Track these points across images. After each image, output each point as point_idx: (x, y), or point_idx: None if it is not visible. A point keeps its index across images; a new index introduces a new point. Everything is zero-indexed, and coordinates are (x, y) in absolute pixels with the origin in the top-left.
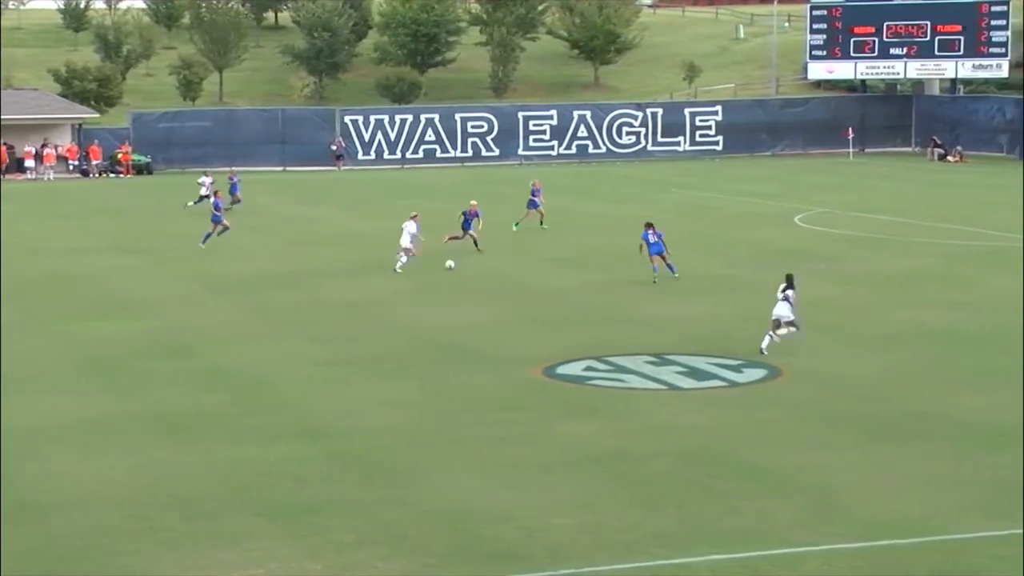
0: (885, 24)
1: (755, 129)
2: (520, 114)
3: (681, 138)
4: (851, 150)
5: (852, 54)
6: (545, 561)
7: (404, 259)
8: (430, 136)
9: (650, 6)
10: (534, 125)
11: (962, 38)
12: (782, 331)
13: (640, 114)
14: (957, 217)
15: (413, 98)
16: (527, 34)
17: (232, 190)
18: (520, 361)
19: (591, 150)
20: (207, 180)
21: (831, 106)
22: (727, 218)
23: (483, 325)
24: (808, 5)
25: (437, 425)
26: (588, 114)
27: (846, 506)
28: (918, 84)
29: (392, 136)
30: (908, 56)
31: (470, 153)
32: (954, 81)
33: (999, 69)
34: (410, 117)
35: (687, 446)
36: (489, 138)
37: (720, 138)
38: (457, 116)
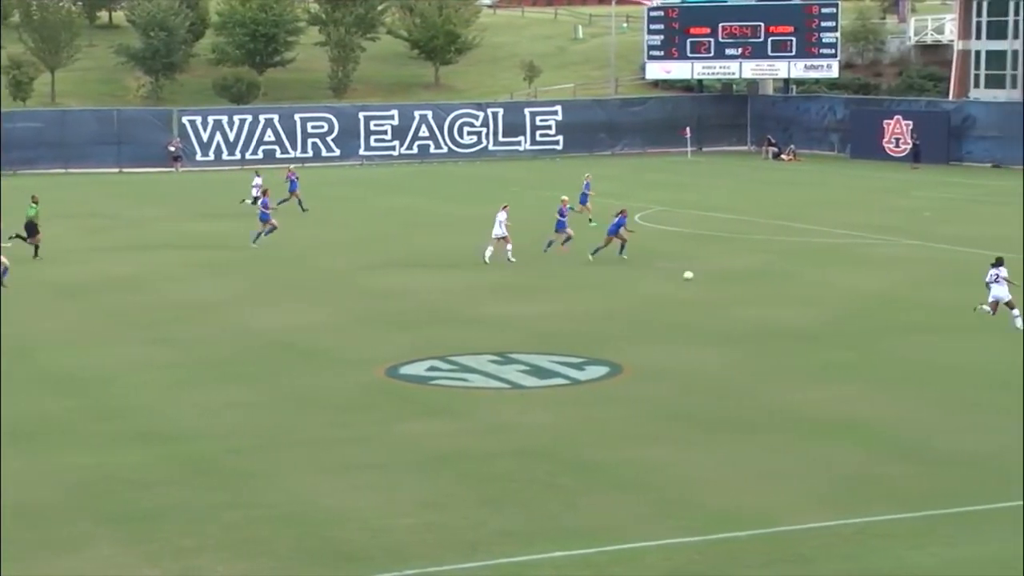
0: (720, 25)
1: (595, 129)
2: (361, 114)
3: (522, 138)
4: (689, 149)
5: (689, 54)
6: (390, 561)
7: (491, 249)
8: (270, 137)
9: (490, 6)
10: (375, 125)
11: (794, 39)
12: (1016, 312)
13: (481, 114)
14: (793, 214)
15: (252, 98)
16: (367, 34)
17: (291, 188)
18: (363, 362)
19: (432, 150)
20: (259, 180)
21: (669, 106)
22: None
23: (326, 326)
24: (646, 7)
25: (281, 427)
26: (429, 114)
27: (686, 500)
28: (753, 84)
29: (231, 137)
30: (743, 57)
31: (310, 153)
32: (787, 81)
33: (829, 70)
34: (249, 117)
35: (530, 444)
36: (330, 138)
37: (560, 138)
38: (297, 116)
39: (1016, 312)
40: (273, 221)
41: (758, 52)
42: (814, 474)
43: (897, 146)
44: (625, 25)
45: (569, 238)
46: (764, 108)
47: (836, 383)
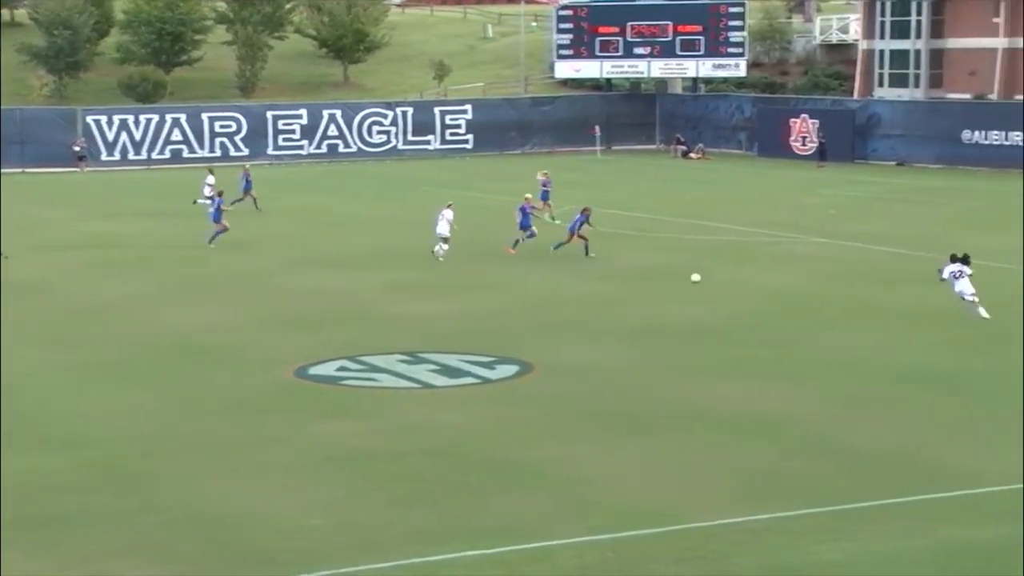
0: (629, 24)
1: (505, 127)
2: (269, 113)
3: (431, 137)
4: (598, 148)
5: (598, 53)
6: (302, 563)
7: (443, 247)
8: (177, 136)
9: (398, 5)
10: (283, 124)
11: (702, 38)
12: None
13: (390, 113)
14: (701, 212)
15: (158, 98)
16: (275, 33)
17: (245, 187)
18: (272, 363)
19: (342, 149)
20: (212, 179)
21: (578, 105)
22: (480, 216)
23: (234, 327)
24: (555, 6)
25: (189, 429)
26: (338, 113)
27: (598, 498)
28: (661, 83)
29: (137, 136)
30: (651, 56)
31: (218, 153)
32: (695, 80)
33: (737, 68)
34: (155, 117)
35: (441, 444)
36: (238, 138)
37: (470, 137)
38: (204, 116)
39: (977, 301)
40: (224, 222)
41: (666, 51)
42: (724, 470)
43: (803, 144)
44: (534, 24)
45: (532, 235)
46: (673, 107)
47: (744, 380)
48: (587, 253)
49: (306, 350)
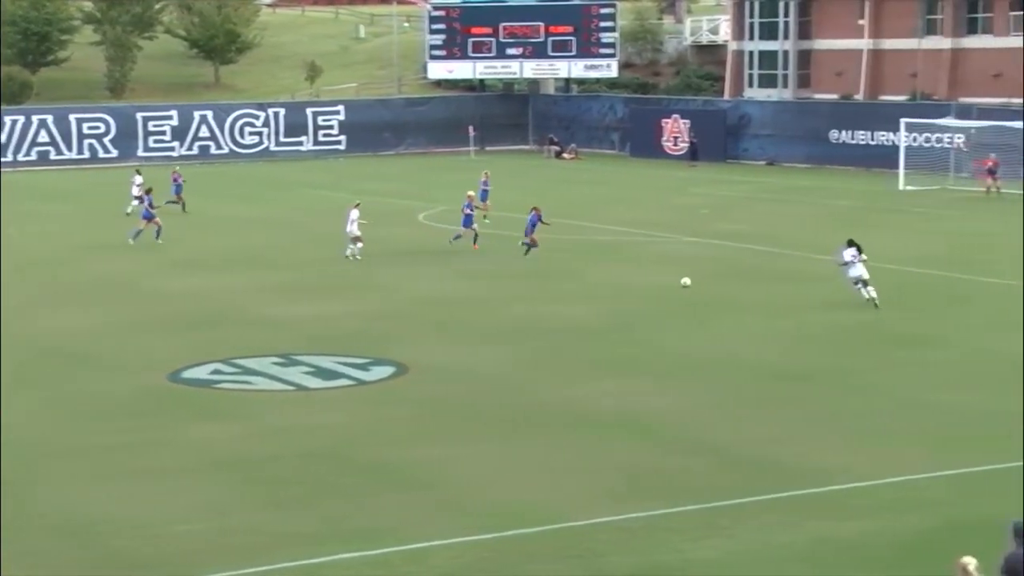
0: (501, 25)
1: (378, 128)
2: (139, 115)
3: (304, 138)
4: (472, 148)
5: (471, 54)
6: (175, 569)
7: (357, 247)
8: (44, 138)
9: (269, 5)
10: (154, 126)
11: (574, 39)
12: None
13: (262, 114)
14: (575, 212)
15: (24, 98)
16: (144, 33)
17: (175, 190)
18: (145, 367)
19: (213, 150)
20: (139, 179)
21: (452, 105)
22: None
23: (105, 330)
24: (427, 5)
25: (59, 435)
26: (210, 114)
27: (474, 498)
28: (534, 83)
29: (3, 138)
30: (524, 56)
31: (87, 155)
32: (568, 81)
33: (609, 69)
34: (21, 118)
35: (316, 446)
36: (107, 139)
37: (343, 137)
38: (72, 117)
39: (871, 288)
40: (157, 220)
41: (539, 52)
42: (600, 469)
43: (675, 144)
44: (407, 25)
45: (476, 235)
46: (546, 107)
47: (618, 378)
48: (527, 252)
49: (179, 354)
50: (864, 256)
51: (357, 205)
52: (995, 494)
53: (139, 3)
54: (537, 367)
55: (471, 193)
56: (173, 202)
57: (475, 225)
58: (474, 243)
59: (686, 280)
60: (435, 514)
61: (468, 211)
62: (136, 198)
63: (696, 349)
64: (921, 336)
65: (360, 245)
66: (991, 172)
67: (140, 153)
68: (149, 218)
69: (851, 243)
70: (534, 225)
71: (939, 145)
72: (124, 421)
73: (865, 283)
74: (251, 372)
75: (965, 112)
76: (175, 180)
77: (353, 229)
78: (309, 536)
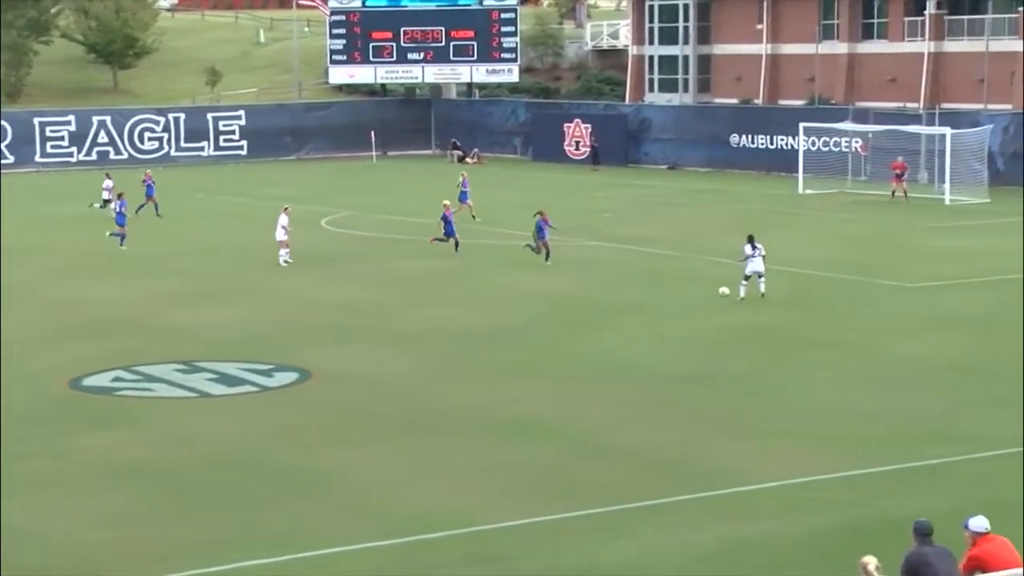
0: (402, 30)
1: (280, 133)
2: (36, 120)
3: (205, 143)
4: (374, 153)
5: (372, 59)
6: None
7: (283, 252)
8: None
9: (168, 10)
10: (51, 131)
11: (475, 44)
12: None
13: (162, 119)
14: (477, 217)
15: None
16: (40, 37)
17: (148, 192)
18: (44, 374)
19: (112, 156)
20: (109, 183)
21: (354, 110)
22: (255, 222)
23: (4, 338)
24: (327, 10)
25: None
26: (108, 119)
27: (379, 504)
28: (436, 88)
29: None
30: (425, 61)
31: None
32: (470, 85)
33: (511, 74)
34: None
35: (219, 453)
36: (2, 145)
37: (244, 143)
38: None
39: (763, 280)
40: (125, 227)
41: (440, 56)
42: (506, 473)
43: (577, 149)
44: (307, 29)
45: (457, 243)
46: (448, 112)
47: (522, 383)
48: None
49: (79, 361)
50: (762, 251)
51: (286, 210)
52: (894, 494)
53: (34, 6)
54: (440, 372)
55: (447, 202)
56: (143, 205)
57: (457, 234)
58: (455, 250)
59: (724, 289)
60: (342, 520)
61: (447, 220)
62: (106, 201)
63: (599, 353)
64: (821, 338)
65: (286, 250)
66: (898, 176)
67: (38, 159)
68: (122, 223)
69: (750, 239)
70: (541, 230)
71: (837, 149)
72: (23, 429)
73: (760, 275)
74: (153, 379)
75: (862, 116)
76: (146, 182)
77: (280, 235)
78: (216, 544)
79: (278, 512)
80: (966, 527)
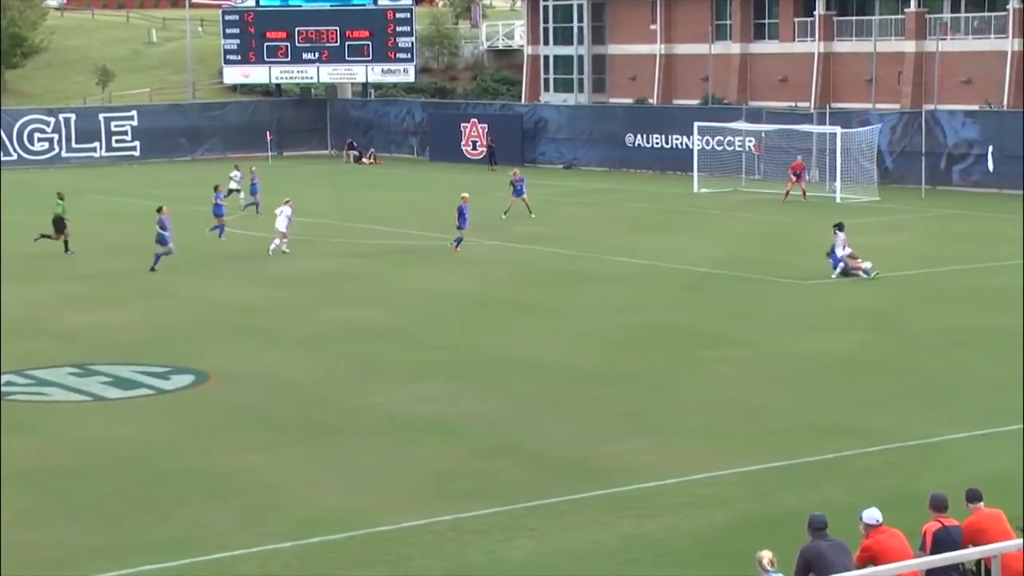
0: (297, 29)
1: (174, 134)
2: None
3: (97, 144)
4: (270, 153)
5: (267, 59)
6: None
7: (279, 242)
8: None
9: (57, 8)
10: None
11: (371, 44)
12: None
13: (52, 120)
14: (375, 217)
15: None
16: None
17: (252, 190)
18: None
19: (1, 157)
20: (237, 174)
21: (249, 110)
22: (148, 224)
23: None
24: (221, 10)
25: None
26: None
27: (281, 506)
28: (332, 88)
29: None
30: (321, 61)
31: None
32: (365, 85)
33: (407, 74)
34: None
35: (117, 457)
36: None
37: (137, 143)
38: None
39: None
40: (224, 218)
41: (336, 56)
42: (407, 473)
43: (474, 148)
44: (201, 29)
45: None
46: (344, 112)
47: (423, 382)
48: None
49: None
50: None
51: (288, 201)
52: (790, 489)
53: None
54: (342, 373)
55: (465, 195)
56: (252, 204)
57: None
58: (456, 246)
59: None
60: (240, 523)
61: (463, 212)
62: (231, 190)
63: (501, 352)
64: (719, 336)
65: (280, 241)
66: (797, 176)
67: None
68: (219, 214)
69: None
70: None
71: (731, 148)
72: None
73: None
74: (46, 383)
75: (755, 116)
76: (252, 179)
77: (283, 225)
78: (109, 549)
79: (177, 516)
80: (860, 519)
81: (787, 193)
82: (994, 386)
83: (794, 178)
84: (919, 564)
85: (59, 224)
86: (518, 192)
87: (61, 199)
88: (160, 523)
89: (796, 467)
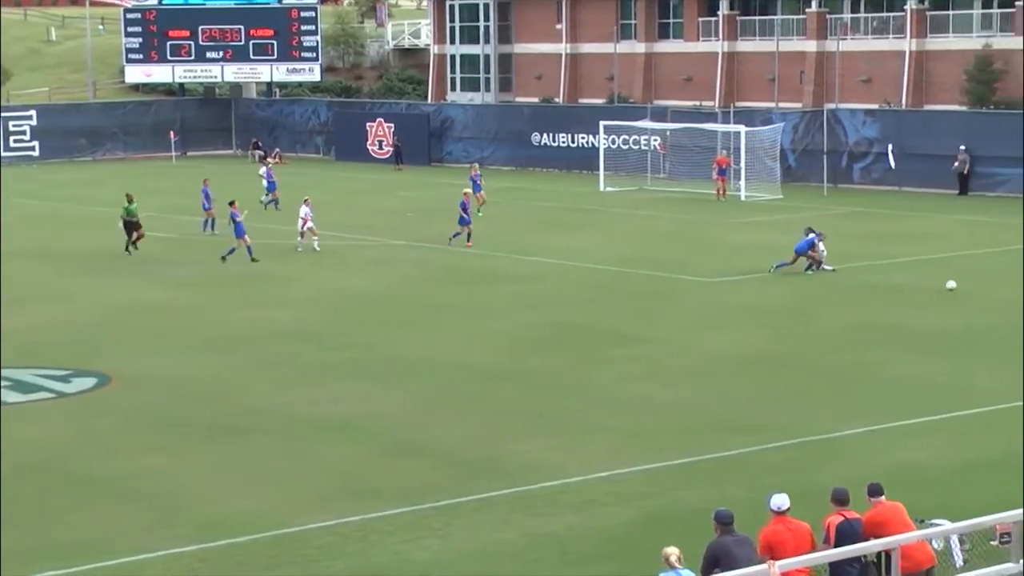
0: (200, 28)
1: (74, 134)
2: None
3: None
4: (174, 153)
5: (169, 58)
6: None
7: (315, 239)
8: None
9: None
10: None
11: (275, 42)
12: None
13: None
14: (280, 217)
15: None
16: None
17: (269, 187)
18: None
19: None
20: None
21: (151, 110)
22: (50, 225)
23: None
24: (122, 8)
25: None
26: None
27: (185, 508)
28: (236, 87)
29: None
30: (225, 60)
31: None
32: (270, 85)
33: (312, 73)
34: None
35: (18, 462)
36: None
37: (36, 143)
38: None
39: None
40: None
41: (240, 55)
42: (313, 474)
43: (381, 148)
44: (102, 27)
45: (470, 233)
46: (249, 111)
47: (329, 383)
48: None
49: None
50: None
51: (306, 201)
52: (695, 485)
53: None
54: (249, 374)
55: (467, 191)
56: (272, 201)
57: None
58: (467, 241)
59: (952, 283)
60: (145, 526)
61: (465, 210)
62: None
63: (408, 352)
64: (625, 334)
65: (315, 238)
66: (721, 171)
67: None
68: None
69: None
70: (809, 246)
71: (637, 147)
72: None
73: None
74: None
75: (660, 115)
76: (268, 176)
77: (307, 223)
78: (15, 555)
79: (80, 520)
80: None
81: (719, 191)
82: (894, 382)
83: (718, 174)
84: (822, 557)
85: (130, 226)
86: (477, 188)
87: (131, 201)
88: (63, 528)
89: (699, 464)
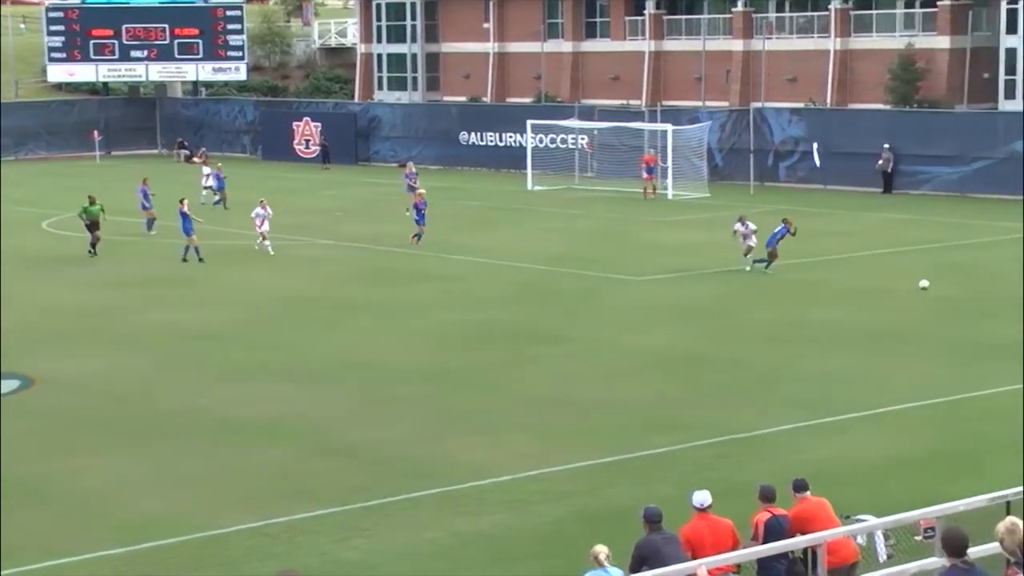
0: (124, 27)
1: None
2: None
3: None
4: (98, 153)
5: (93, 56)
6: None
7: (266, 243)
8: None
9: None
10: None
11: (200, 42)
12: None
13: None
14: (205, 216)
15: None
16: None
17: (218, 186)
18: None
19: None
20: (207, 170)
21: (75, 109)
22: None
23: None
24: (44, 6)
25: None
26: None
27: (110, 511)
28: (161, 87)
29: None
30: (149, 59)
31: None
32: (195, 84)
33: (238, 72)
34: None
35: None
36: None
37: None
38: None
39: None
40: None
41: (164, 54)
42: (239, 475)
43: (307, 147)
44: (23, 26)
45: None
46: (174, 111)
47: (256, 383)
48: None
49: None
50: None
51: (261, 202)
52: (622, 483)
53: None
54: (172, 375)
55: (422, 191)
56: (219, 201)
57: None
58: (412, 238)
59: (924, 283)
60: (68, 530)
61: (419, 210)
62: (206, 187)
63: (333, 352)
64: (552, 333)
65: (267, 242)
66: (649, 169)
67: None
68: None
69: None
70: (779, 238)
71: (564, 146)
72: None
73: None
74: None
75: (587, 114)
76: (216, 176)
77: (262, 225)
78: None
79: (4, 523)
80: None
81: (646, 190)
82: (819, 378)
83: (646, 173)
84: (750, 554)
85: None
86: (410, 188)
87: (93, 203)
88: None
89: (627, 462)
